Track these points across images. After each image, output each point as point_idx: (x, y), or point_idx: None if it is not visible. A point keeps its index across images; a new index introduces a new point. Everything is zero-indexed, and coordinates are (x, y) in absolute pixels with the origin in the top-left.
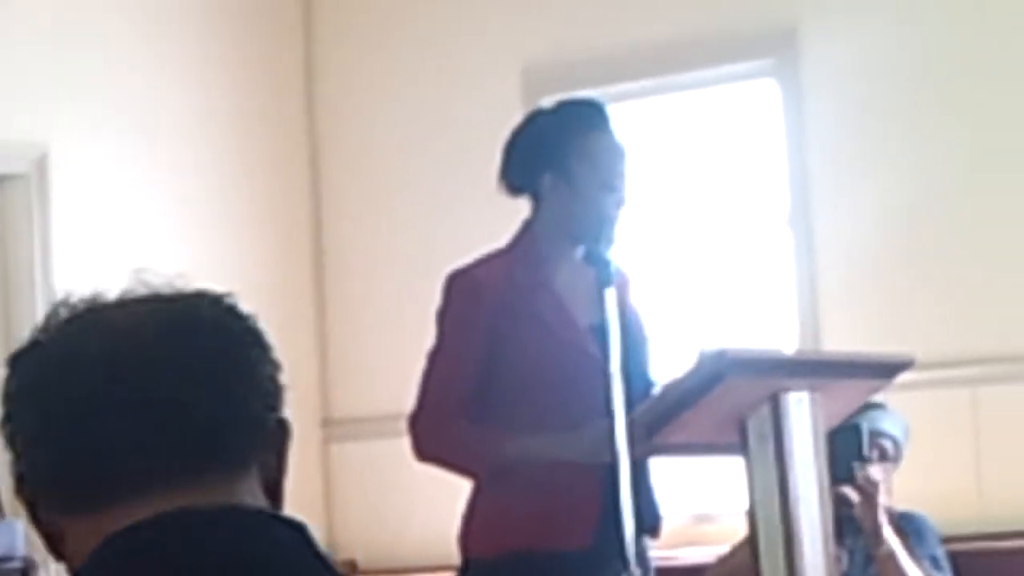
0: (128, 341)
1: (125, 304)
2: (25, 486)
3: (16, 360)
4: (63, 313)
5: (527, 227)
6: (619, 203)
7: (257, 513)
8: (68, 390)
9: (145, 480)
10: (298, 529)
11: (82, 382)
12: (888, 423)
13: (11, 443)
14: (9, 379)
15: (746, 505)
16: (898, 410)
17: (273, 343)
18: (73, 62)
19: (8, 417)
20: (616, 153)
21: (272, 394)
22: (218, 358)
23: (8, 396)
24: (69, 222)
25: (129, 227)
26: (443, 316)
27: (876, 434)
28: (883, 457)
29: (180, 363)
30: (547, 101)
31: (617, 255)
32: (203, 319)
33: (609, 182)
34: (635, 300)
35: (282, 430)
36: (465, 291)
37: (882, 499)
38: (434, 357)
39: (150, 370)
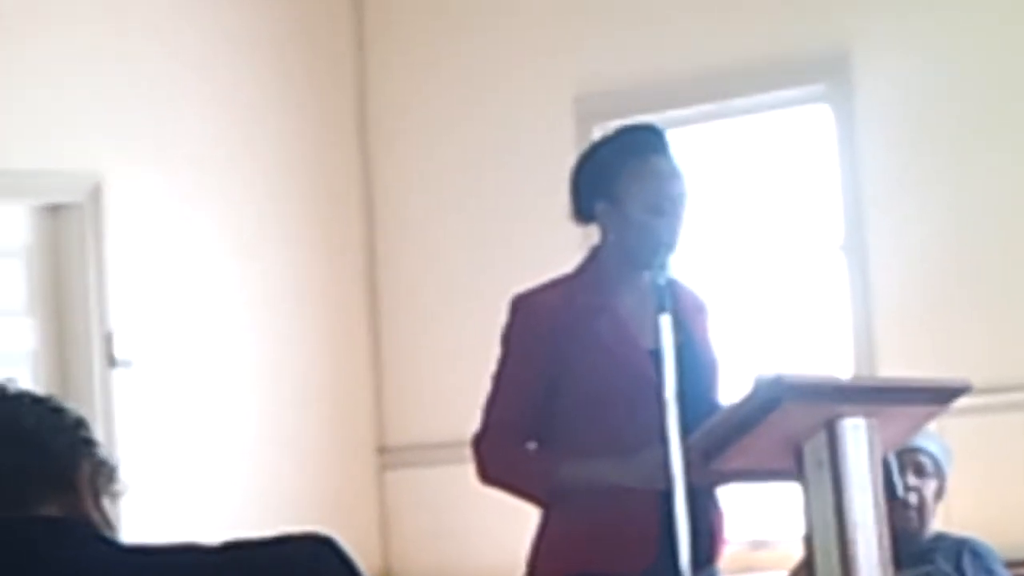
0: None
1: None
2: None
3: None
4: None
5: (594, 253)
6: (672, 228)
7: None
8: None
9: None
10: (71, 523)
11: None
12: (923, 440)
13: None
14: None
15: (803, 531)
16: (937, 433)
17: (328, 370)
18: (127, 93)
19: None
20: (665, 176)
21: (63, 453)
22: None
23: None
24: (123, 250)
25: (182, 255)
26: (506, 339)
27: (911, 450)
28: (920, 472)
29: None
30: (599, 129)
31: (694, 281)
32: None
33: (657, 205)
34: (711, 327)
35: (81, 477)
36: (527, 314)
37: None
38: (497, 380)
39: None
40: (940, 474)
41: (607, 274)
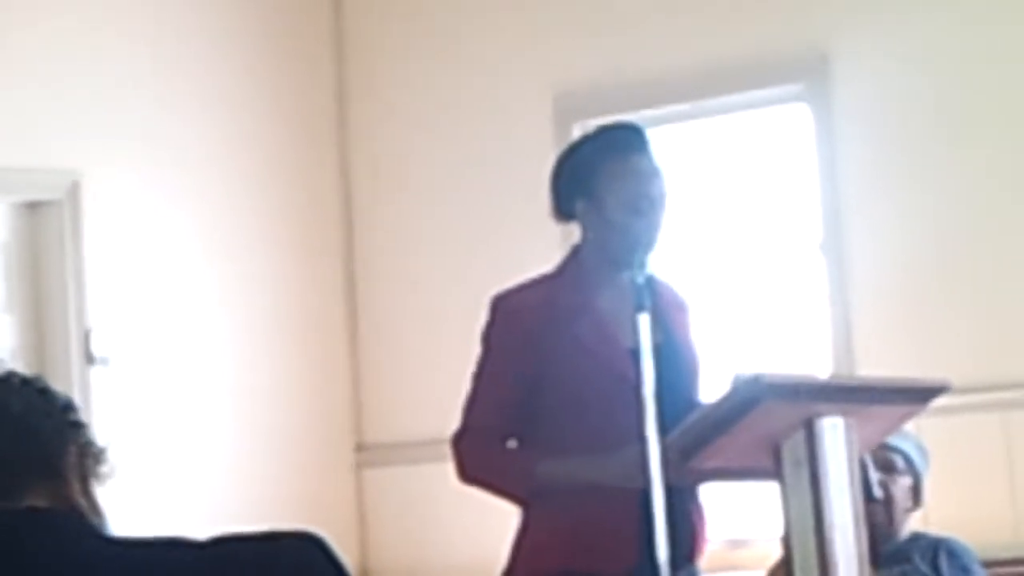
0: None
1: None
2: None
3: None
4: None
5: (574, 252)
6: (651, 227)
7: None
8: None
9: None
10: (59, 515)
11: None
12: (896, 439)
13: None
14: None
15: (781, 530)
16: (915, 433)
17: (306, 368)
18: (106, 91)
19: None
20: (644, 175)
21: (51, 440)
22: None
23: None
24: (102, 248)
25: (161, 253)
26: (487, 338)
27: (881, 448)
28: (889, 469)
29: None
30: (579, 127)
31: (675, 279)
32: None
33: (634, 204)
34: (692, 325)
35: (68, 463)
36: (507, 314)
37: (903, 516)
38: (477, 379)
39: None
40: (913, 473)
41: (587, 273)
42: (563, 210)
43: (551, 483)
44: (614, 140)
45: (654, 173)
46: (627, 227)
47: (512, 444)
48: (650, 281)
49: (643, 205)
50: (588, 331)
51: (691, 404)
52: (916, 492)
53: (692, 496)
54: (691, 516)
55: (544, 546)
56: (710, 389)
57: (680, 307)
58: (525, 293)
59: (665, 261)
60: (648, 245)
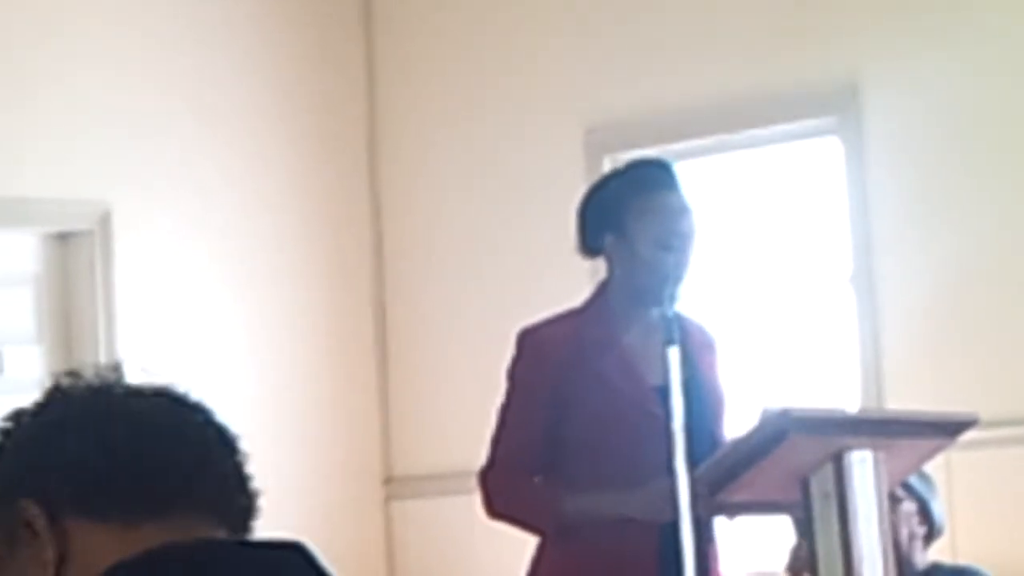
0: (154, 415)
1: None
2: (51, 482)
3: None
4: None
5: (601, 287)
6: (680, 263)
7: (257, 544)
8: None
9: (179, 503)
10: (298, 549)
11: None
12: None
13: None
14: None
15: (785, 562)
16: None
17: (335, 400)
18: (136, 122)
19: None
20: (674, 212)
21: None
22: (226, 436)
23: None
24: (132, 278)
25: (191, 284)
26: (512, 373)
27: None
28: (890, 498)
29: (198, 428)
30: (610, 160)
31: (702, 317)
32: (200, 408)
33: (665, 241)
34: (719, 363)
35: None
36: (533, 349)
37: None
38: (503, 414)
39: (188, 430)
40: (917, 498)
41: (613, 310)
42: (590, 245)
43: (578, 518)
44: (643, 177)
45: (683, 210)
46: (657, 263)
47: (537, 479)
48: (679, 319)
49: (674, 242)
50: (613, 367)
51: (715, 441)
52: (926, 517)
53: (707, 529)
54: (704, 549)
55: None
56: (738, 424)
57: (708, 346)
58: (551, 328)
59: (695, 296)
60: (677, 280)
